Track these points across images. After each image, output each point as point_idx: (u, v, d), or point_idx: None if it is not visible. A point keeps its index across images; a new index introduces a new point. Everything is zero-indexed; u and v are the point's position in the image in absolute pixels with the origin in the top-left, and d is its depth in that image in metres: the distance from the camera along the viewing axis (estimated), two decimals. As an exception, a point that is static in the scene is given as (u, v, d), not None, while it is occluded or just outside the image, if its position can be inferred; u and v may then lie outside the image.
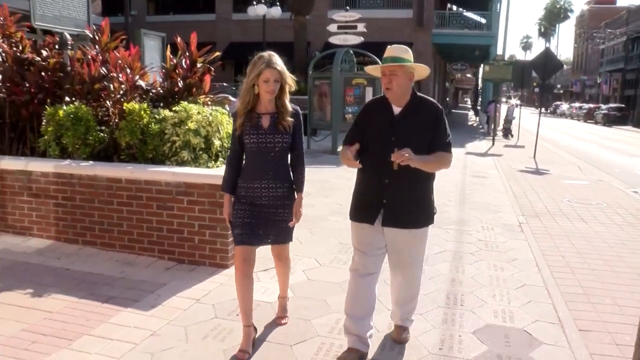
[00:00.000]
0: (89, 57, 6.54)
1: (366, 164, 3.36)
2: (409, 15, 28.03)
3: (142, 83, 6.48)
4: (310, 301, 4.42)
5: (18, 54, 6.72)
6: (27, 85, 6.32)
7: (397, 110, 3.38)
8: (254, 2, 22.51)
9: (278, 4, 23.52)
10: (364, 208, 3.47)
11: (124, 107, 5.78)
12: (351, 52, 15.46)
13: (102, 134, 5.86)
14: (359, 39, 15.32)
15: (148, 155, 5.66)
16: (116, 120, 5.92)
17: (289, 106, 3.51)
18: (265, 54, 3.44)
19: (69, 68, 6.45)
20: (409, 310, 3.83)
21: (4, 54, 6.82)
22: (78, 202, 5.52)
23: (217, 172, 5.05)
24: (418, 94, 3.43)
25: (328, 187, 9.56)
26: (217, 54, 6.99)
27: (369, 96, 14.59)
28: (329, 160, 13.06)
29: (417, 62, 3.37)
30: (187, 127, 5.55)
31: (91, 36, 6.93)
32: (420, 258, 3.63)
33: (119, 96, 6.16)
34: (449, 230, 6.92)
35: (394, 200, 3.35)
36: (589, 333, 4.08)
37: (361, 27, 15.37)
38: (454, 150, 3.53)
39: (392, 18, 27.92)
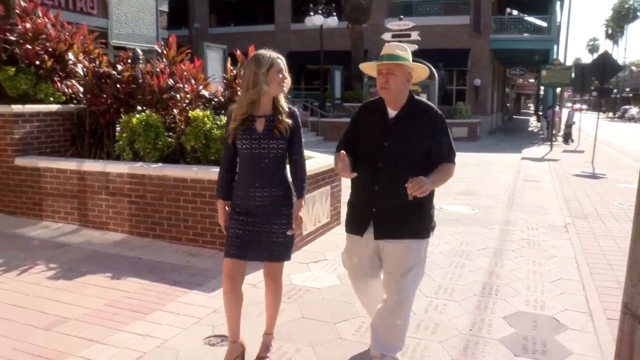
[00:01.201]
0: (158, 70, 7.23)
1: (357, 170, 3.07)
2: (466, 22, 28.03)
3: (205, 92, 7.11)
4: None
5: (97, 69, 7.50)
6: (105, 96, 7.05)
7: (392, 113, 3.15)
8: (311, 13, 23.17)
9: (335, 14, 24.09)
10: (356, 219, 3.27)
11: (189, 115, 6.38)
12: (405, 59, 15.82)
13: (170, 139, 6.48)
14: (413, 47, 15.65)
15: (211, 158, 6.23)
16: (182, 126, 6.54)
17: (286, 107, 3.24)
18: (261, 51, 3.19)
19: (140, 80, 7.14)
20: (392, 337, 3.29)
21: (85, 69, 7.62)
22: (149, 200, 6.15)
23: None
24: (416, 97, 3.21)
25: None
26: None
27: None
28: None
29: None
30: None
31: (160, 51, 7.64)
32: (413, 277, 3.21)
33: (184, 105, 6.80)
34: (493, 229, 7.20)
35: (385, 209, 3.11)
36: (616, 322, 4.33)
37: (415, 35, 15.71)
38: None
39: (449, 25, 28.00)
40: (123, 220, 6.31)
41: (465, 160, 15.05)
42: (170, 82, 7.09)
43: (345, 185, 4.89)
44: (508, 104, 52.27)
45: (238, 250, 3.22)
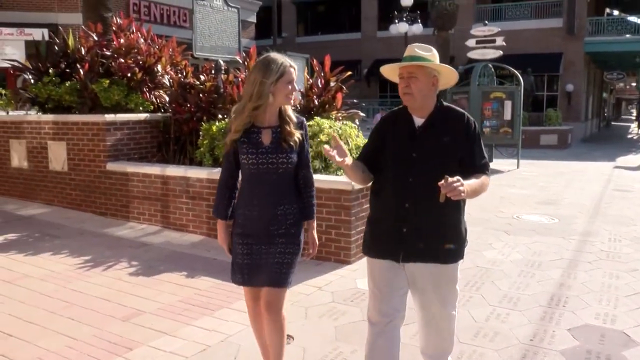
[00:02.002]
0: (239, 79, 7.59)
1: (382, 185, 2.83)
2: (559, 25, 27.02)
3: (282, 101, 7.37)
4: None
5: (182, 79, 7.97)
6: (188, 105, 7.48)
7: (418, 121, 2.81)
8: (396, 21, 23.20)
9: (419, 21, 23.99)
10: (380, 240, 2.85)
11: (267, 123, 6.65)
12: (490, 65, 15.53)
13: (247, 146, 6.78)
14: (497, 53, 15.36)
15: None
16: (259, 134, 6.82)
17: (294, 116, 2.98)
18: (273, 54, 2.92)
19: (221, 90, 7.51)
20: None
21: (171, 80, 8.11)
22: (226, 204, 6.46)
23: (341, 178, 5.71)
24: (444, 103, 2.88)
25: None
26: (349, 73, 7.73)
27: (507, 110, 14.56)
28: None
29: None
30: (319, 139, 6.29)
31: (241, 61, 8.00)
32: (451, 301, 2.92)
33: (262, 113, 7.09)
34: (571, 240, 6.97)
35: (417, 229, 2.74)
36: (693, 339, 4.12)
37: (500, 41, 15.38)
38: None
39: (540, 28, 27.10)
40: (201, 222, 6.66)
41: (551, 169, 14.55)
42: (250, 91, 7.41)
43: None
44: (606, 110, 49.69)
45: (244, 278, 2.98)
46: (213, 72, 7.95)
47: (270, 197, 2.90)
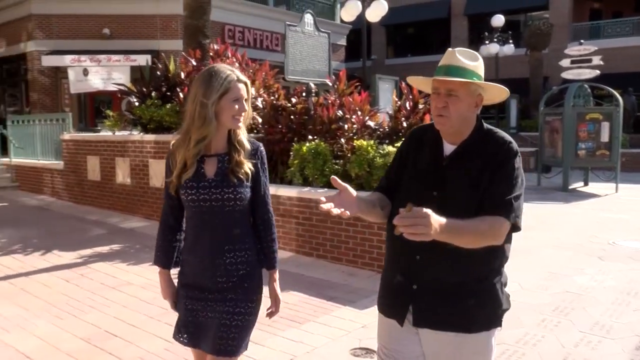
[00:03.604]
0: (329, 102, 7.82)
1: (393, 227, 1.89)
2: (665, 41, 25.67)
3: (371, 123, 7.53)
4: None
5: (274, 102, 8.31)
6: (280, 126, 7.78)
7: (449, 148, 2.15)
8: (486, 42, 22.89)
9: (511, 41, 23.54)
10: (387, 295, 2.29)
11: (355, 144, 6.82)
12: (585, 86, 14.99)
13: (336, 166, 6.96)
14: (594, 73, 14.78)
15: (373, 185, 6.57)
16: (348, 154, 7.00)
17: (247, 142, 2.40)
18: (219, 65, 2.38)
19: (312, 112, 7.76)
20: None
21: (264, 102, 8.48)
22: (314, 222, 6.66)
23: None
24: (485, 125, 2.17)
25: (551, 222, 9.53)
26: (436, 95, 7.76)
27: (605, 131, 13.98)
28: (559, 197, 12.80)
29: None
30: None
31: (330, 84, 8.25)
32: None
33: (351, 134, 7.27)
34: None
35: (430, 286, 2.12)
36: None
37: (597, 60, 14.82)
38: None
39: (642, 46, 25.85)
40: (291, 239, 6.88)
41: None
42: (339, 113, 7.62)
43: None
44: None
45: (190, 338, 2.46)
46: (304, 94, 8.23)
47: (215, 242, 2.35)
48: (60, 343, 4.21)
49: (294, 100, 8.26)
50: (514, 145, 2.12)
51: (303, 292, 5.39)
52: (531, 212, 9.54)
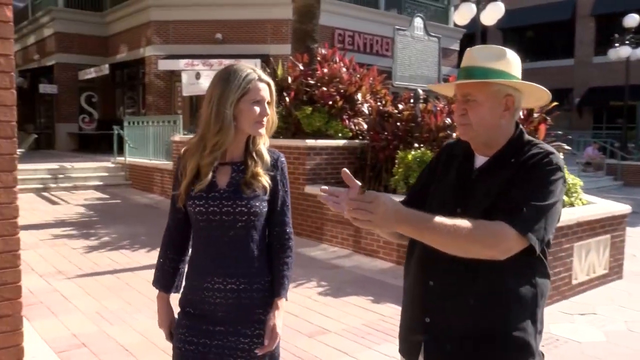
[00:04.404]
0: (437, 109, 7.57)
1: (411, 251, 1.91)
2: None
3: (479, 131, 7.19)
4: (628, 349, 4.40)
5: (381, 108, 8.18)
6: (385, 133, 7.63)
7: (480, 160, 1.87)
8: (616, 45, 21.30)
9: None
10: (404, 332, 2.01)
11: (460, 152, 6.53)
12: None
13: (441, 176, 6.71)
14: None
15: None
16: (453, 163, 6.72)
17: (266, 152, 2.12)
18: (239, 63, 2.12)
19: (419, 119, 7.55)
20: None
21: (370, 108, 8.38)
22: (416, 233, 6.44)
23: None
24: (526, 136, 1.86)
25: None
26: (554, 104, 7.27)
27: None
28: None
29: None
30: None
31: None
32: None
33: (458, 142, 6.98)
34: None
35: (444, 319, 1.80)
36: None
37: None
38: None
39: None
40: (392, 250, 6.70)
41: None
42: (448, 121, 7.35)
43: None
44: None
45: None
46: (412, 101, 8.03)
47: (228, 263, 2.05)
48: (157, 339, 4.31)
49: (400, 106, 8.08)
50: (556, 157, 1.75)
51: (400, 304, 5.19)
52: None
